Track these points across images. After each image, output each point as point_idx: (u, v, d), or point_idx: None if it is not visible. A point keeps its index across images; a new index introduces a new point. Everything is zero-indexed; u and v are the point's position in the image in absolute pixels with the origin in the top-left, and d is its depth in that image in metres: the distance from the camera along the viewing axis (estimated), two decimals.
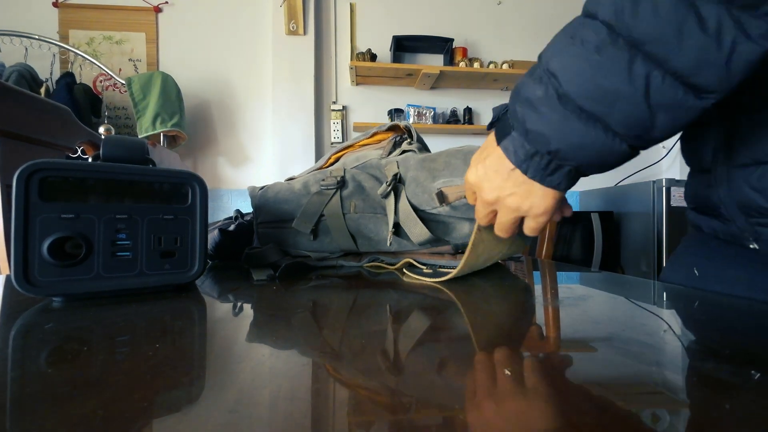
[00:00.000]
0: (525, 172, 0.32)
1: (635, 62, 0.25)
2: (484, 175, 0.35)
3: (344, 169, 0.54)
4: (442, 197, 0.48)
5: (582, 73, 0.27)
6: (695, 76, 0.25)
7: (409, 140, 0.60)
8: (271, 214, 0.53)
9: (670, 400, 0.15)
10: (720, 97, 0.25)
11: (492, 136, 0.35)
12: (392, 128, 0.63)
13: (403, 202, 0.50)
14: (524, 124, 0.30)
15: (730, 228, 0.39)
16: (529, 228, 0.36)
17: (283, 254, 0.50)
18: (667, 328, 0.25)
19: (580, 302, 0.32)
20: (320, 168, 0.62)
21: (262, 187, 0.56)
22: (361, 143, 0.64)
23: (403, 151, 0.58)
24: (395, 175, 0.51)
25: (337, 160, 0.64)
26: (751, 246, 0.38)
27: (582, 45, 0.27)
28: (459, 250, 0.53)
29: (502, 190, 0.34)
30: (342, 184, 0.52)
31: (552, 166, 0.31)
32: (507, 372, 0.17)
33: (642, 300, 0.34)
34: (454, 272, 0.41)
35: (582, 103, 0.27)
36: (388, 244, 0.51)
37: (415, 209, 0.49)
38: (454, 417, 0.14)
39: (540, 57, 0.30)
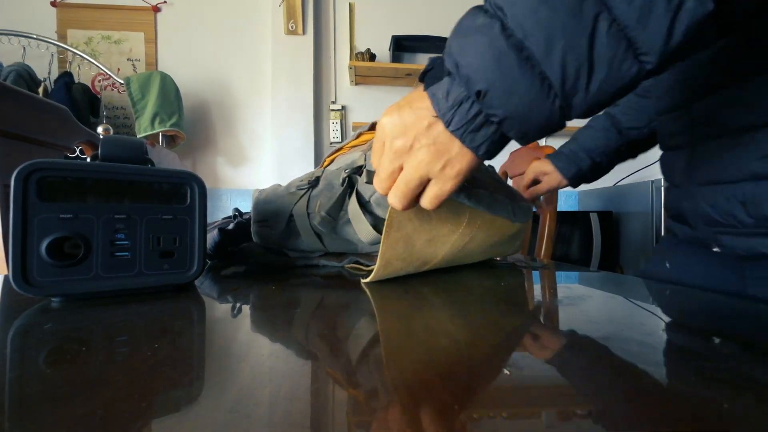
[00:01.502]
0: (448, 124, 0.28)
1: (586, 0, 0.24)
2: (399, 120, 0.31)
3: (323, 170, 0.54)
4: (369, 175, 0.42)
5: (528, 3, 0.25)
6: (639, 29, 0.23)
7: None
8: (259, 214, 0.54)
9: (668, 400, 0.15)
10: (655, 63, 0.24)
11: (421, 85, 0.32)
12: (373, 127, 0.61)
13: (352, 197, 0.46)
14: (456, 57, 0.27)
15: (696, 234, 0.46)
16: (430, 196, 0.31)
17: (266, 252, 0.52)
18: (664, 327, 0.25)
19: (579, 302, 0.32)
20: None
21: (262, 189, 0.58)
22: (349, 145, 0.63)
23: None
24: (360, 166, 0.47)
25: (331, 163, 0.63)
26: (714, 249, 0.44)
27: None
28: None
29: (416, 139, 0.30)
30: (315, 183, 0.52)
31: (479, 120, 0.28)
32: (506, 371, 0.17)
33: (640, 299, 0.34)
34: (373, 275, 0.36)
35: (523, 36, 0.25)
36: (321, 241, 0.48)
37: (361, 202, 0.45)
38: (453, 417, 0.14)
39: None
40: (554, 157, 0.78)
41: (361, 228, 0.45)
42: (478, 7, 0.28)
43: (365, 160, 0.48)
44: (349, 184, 0.47)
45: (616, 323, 0.26)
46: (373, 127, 0.60)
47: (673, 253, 0.53)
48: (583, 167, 0.73)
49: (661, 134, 0.51)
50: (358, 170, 0.47)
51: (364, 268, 0.47)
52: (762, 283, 0.39)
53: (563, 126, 0.28)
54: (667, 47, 0.24)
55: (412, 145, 0.30)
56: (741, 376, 0.17)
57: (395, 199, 0.32)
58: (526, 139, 0.29)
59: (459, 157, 0.30)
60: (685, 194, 0.45)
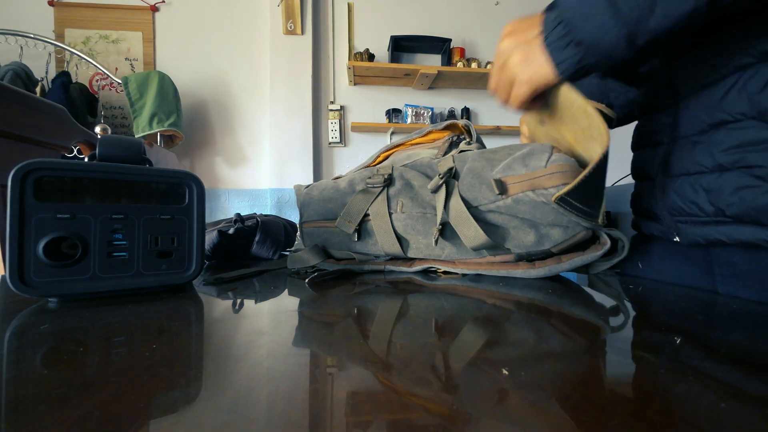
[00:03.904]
0: (546, 39, 0.36)
1: None
2: (512, 29, 0.39)
3: (392, 167, 0.50)
4: (501, 186, 0.40)
5: None
6: None
7: (467, 140, 0.53)
8: (315, 213, 0.51)
9: (664, 399, 0.15)
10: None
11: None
12: (449, 127, 0.57)
13: (455, 199, 0.43)
14: None
15: (660, 225, 0.49)
16: (511, 96, 0.40)
17: (325, 256, 0.46)
18: (665, 328, 0.25)
19: (576, 301, 0.32)
20: (367, 166, 0.58)
21: (308, 186, 0.55)
22: (413, 141, 0.59)
23: (461, 152, 0.50)
24: (450, 168, 0.45)
25: (386, 159, 0.60)
26: (675, 239, 0.47)
27: None
28: (523, 258, 0.42)
29: (514, 46, 0.38)
30: (389, 182, 0.48)
31: (566, 39, 0.35)
32: (505, 372, 0.17)
33: (639, 299, 0.34)
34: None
35: None
36: (434, 243, 0.45)
37: (468, 206, 0.42)
38: (452, 416, 0.14)
39: None
40: None
41: (468, 232, 0.42)
42: None
43: (453, 162, 0.46)
44: (445, 189, 0.44)
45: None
46: (447, 127, 0.58)
47: (644, 253, 0.55)
48: None
49: (642, 132, 0.54)
50: (449, 172, 0.45)
51: (439, 272, 0.46)
52: (728, 281, 0.42)
53: (633, 55, 0.34)
54: None
55: (510, 51, 0.38)
56: None
57: (507, 102, 0.41)
58: (599, 66, 0.35)
59: (539, 66, 0.37)
60: (656, 187, 0.49)
